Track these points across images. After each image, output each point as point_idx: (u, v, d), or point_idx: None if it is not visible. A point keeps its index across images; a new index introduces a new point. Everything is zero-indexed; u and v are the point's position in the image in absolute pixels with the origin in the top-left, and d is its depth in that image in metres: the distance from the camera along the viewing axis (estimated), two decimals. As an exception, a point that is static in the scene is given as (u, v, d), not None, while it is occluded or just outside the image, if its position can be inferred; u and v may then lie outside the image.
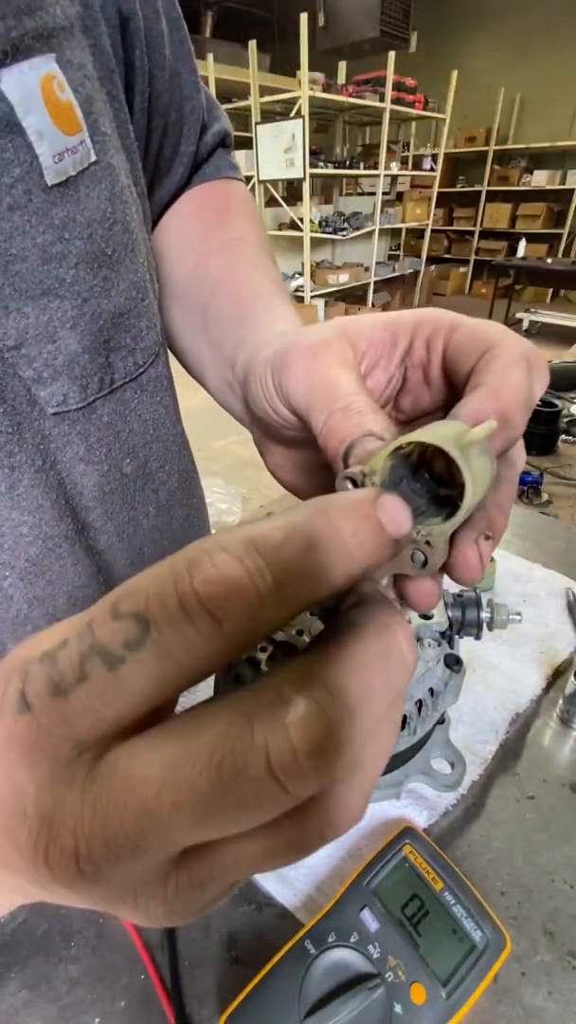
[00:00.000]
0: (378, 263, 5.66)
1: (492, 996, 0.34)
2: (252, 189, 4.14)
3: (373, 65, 4.75)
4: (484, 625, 0.45)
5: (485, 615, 0.45)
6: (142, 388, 0.37)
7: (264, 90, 4.39)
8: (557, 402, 1.26)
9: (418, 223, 6.01)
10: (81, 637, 0.12)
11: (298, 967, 0.32)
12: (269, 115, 4.53)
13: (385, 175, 5.09)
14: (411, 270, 6.18)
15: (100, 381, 0.33)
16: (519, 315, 4.97)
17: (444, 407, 0.23)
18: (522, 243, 5.32)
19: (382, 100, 4.64)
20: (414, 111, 5.13)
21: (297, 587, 0.12)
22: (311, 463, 0.28)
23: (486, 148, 6.73)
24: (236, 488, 2.47)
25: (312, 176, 4.47)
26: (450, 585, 0.63)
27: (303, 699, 0.12)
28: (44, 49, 0.25)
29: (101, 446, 0.35)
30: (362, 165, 5.29)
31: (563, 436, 1.28)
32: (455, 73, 5.25)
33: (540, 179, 6.44)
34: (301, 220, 4.68)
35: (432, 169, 5.89)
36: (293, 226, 4.84)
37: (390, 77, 4.53)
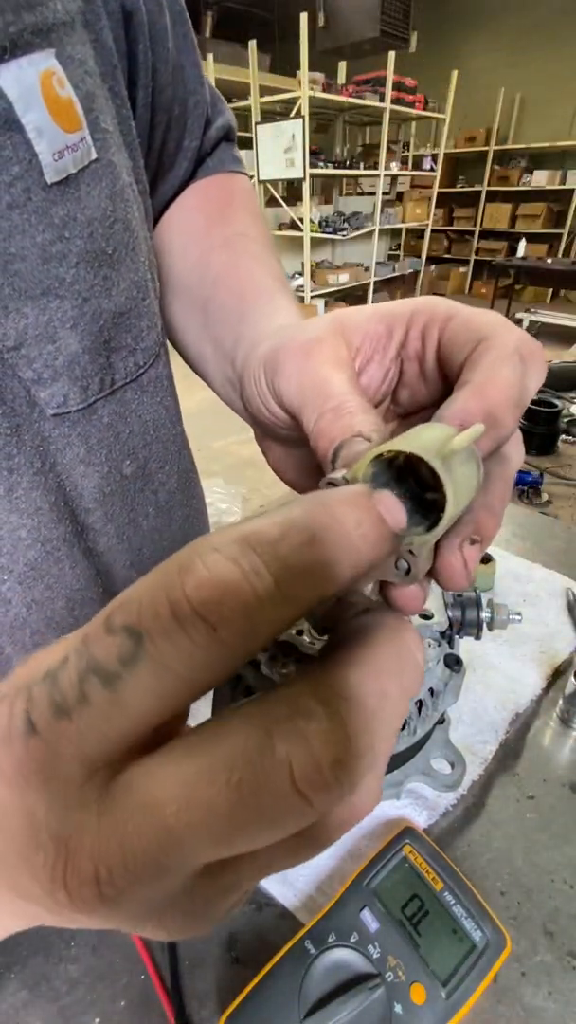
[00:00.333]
0: (378, 263, 5.66)
1: (492, 996, 0.34)
2: (252, 189, 4.14)
3: (373, 65, 4.75)
4: (484, 625, 0.45)
5: (485, 615, 0.45)
6: (142, 389, 0.37)
7: (264, 90, 4.39)
8: (557, 402, 1.26)
9: (418, 223, 6.00)
10: (79, 654, 0.12)
11: (298, 967, 0.32)
12: (269, 115, 4.53)
13: (385, 175, 5.09)
14: (411, 270, 6.18)
15: (101, 382, 0.33)
16: (519, 315, 4.96)
17: (441, 401, 0.23)
18: (522, 243, 5.31)
19: (382, 100, 4.64)
20: (414, 111, 5.13)
21: (300, 585, 0.12)
22: (312, 462, 0.28)
23: (486, 148, 6.72)
24: (236, 488, 2.47)
25: (312, 176, 4.47)
26: (450, 585, 0.63)
27: (322, 709, 0.12)
28: (43, 45, 0.25)
29: (102, 447, 0.35)
30: (362, 165, 5.29)
31: (563, 436, 1.28)
32: (455, 73, 5.25)
33: (540, 179, 6.44)
34: (301, 220, 4.68)
35: (432, 169, 5.89)
36: (293, 226, 4.84)
37: (390, 77, 4.53)
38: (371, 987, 0.30)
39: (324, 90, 4.27)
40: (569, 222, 6.35)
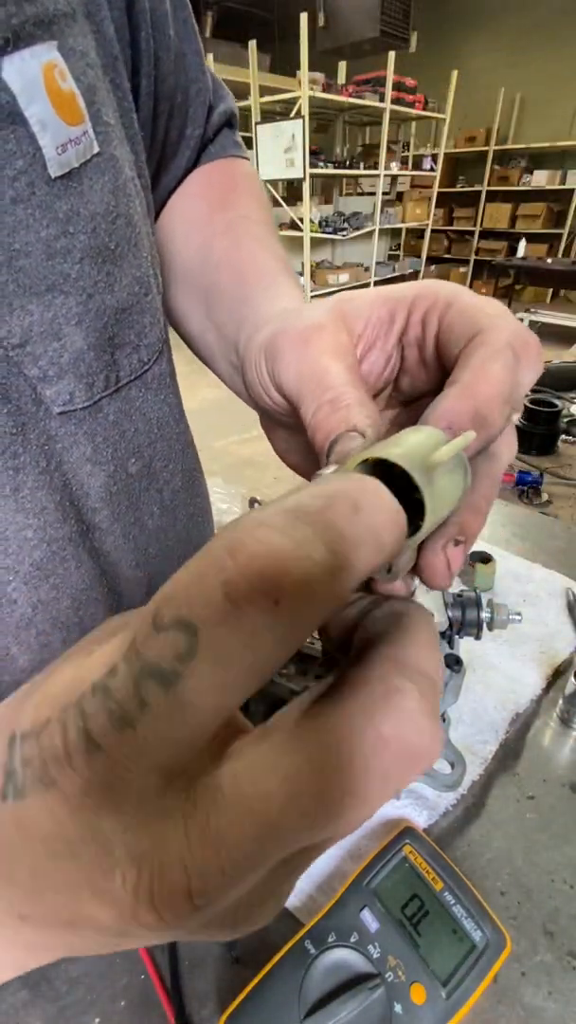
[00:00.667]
0: (378, 263, 5.67)
1: (492, 996, 0.34)
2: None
3: (373, 65, 4.75)
4: (484, 625, 0.45)
5: (485, 615, 0.45)
6: (147, 386, 0.37)
7: (264, 90, 4.39)
8: (557, 402, 1.26)
9: (418, 223, 6.01)
10: (128, 661, 0.11)
11: (298, 967, 0.32)
12: (269, 115, 4.53)
13: (385, 175, 5.09)
14: (411, 270, 6.18)
15: (106, 379, 0.33)
16: (519, 315, 4.96)
17: (441, 390, 0.23)
18: (522, 243, 5.31)
19: (382, 100, 4.65)
20: (414, 111, 5.13)
21: (353, 554, 0.11)
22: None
23: (486, 148, 6.72)
24: (236, 488, 2.47)
25: (312, 176, 4.47)
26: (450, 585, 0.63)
27: (410, 684, 0.12)
28: (45, 36, 0.24)
29: (107, 446, 0.35)
30: (362, 165, 5.29)
31: (563, 436, 1.28)
32: (455, 73, 5.25)
33: (540, 179, 6.44)
34: (301, 220, 4.68)
35: (432, 169, 5.89)
36: (293, 226, 4.84)
37: (390, 77, 4.53)
38: (371, 987, 0.30)
39: (324, 90, 4.27)
40: (569, 222, 6.34)
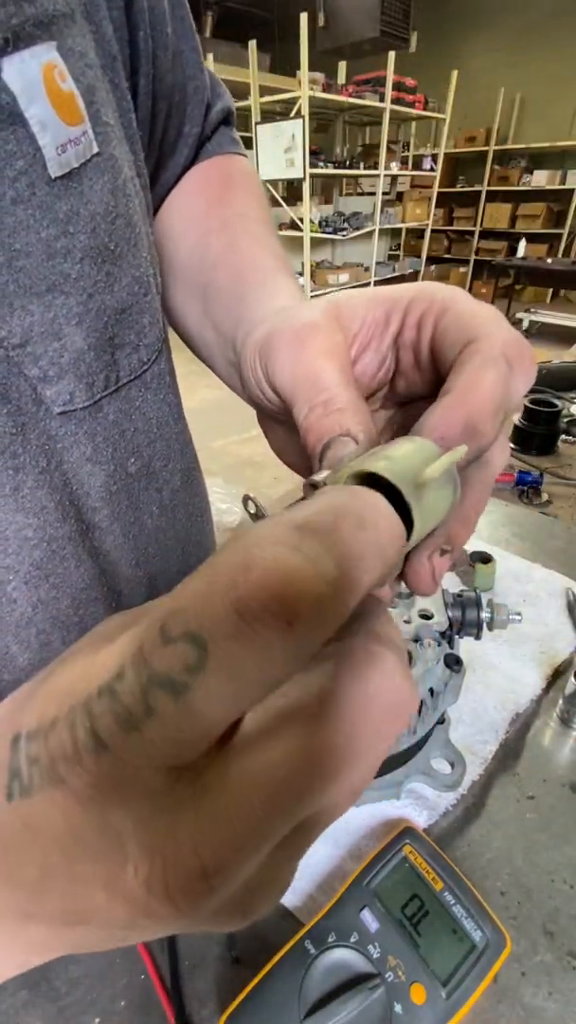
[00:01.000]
0: (378, 263, 5.67)
1: (492, 996, 0.34)
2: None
3: (373, 65, 4.75)
4: (484, 625, 0.45)
5: (485, 615, 0.45)
6: (146, 386, 0.37)
7: (264, 90, 4.39)
8: (557, 402, 1.26)
9: (418, 223, 6.01)
10: (136, 667, 0.11)
11: (298, 967, 0.32)
12: (269, 115, 4.53)
13: (385, 175, 5.09)
14: (411, 270, 6.18)
15: (106, 379, 0.33)
16: (519, 315, 4.96)
17: (437, 392, 0.22)
18: (522, 243, 5.31)
19: (382, 100, 4.64)
20: (414, 111, 5.13)
21: (360, 569, 0.11)
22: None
23: (486, 148, 6.72)
24: (236, 488, 2.47)
25: (312, 176, 4.47)
26: (450, 585, 0.63)
27: (385, 648, 0.13)
28: (45, 37, 0.24)
29: (108, 445, 0.35)
30: (362, 165, 5.29)
31: (563, 436, 1.28)
32: (455, 73, 5.25)
33: (540, 179, 6.43)
34: (301, 220, 4.68)
35: (432, 169, 5.89)
36: (293, 226, 4.84)
37: (390, 77, 4.53)
38: (371, 987, 0.30)
39: (324, 90, 4.27)
40: (569, 222, 6.34)
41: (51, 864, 0.12)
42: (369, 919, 0.33)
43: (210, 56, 4.29)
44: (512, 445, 1.25)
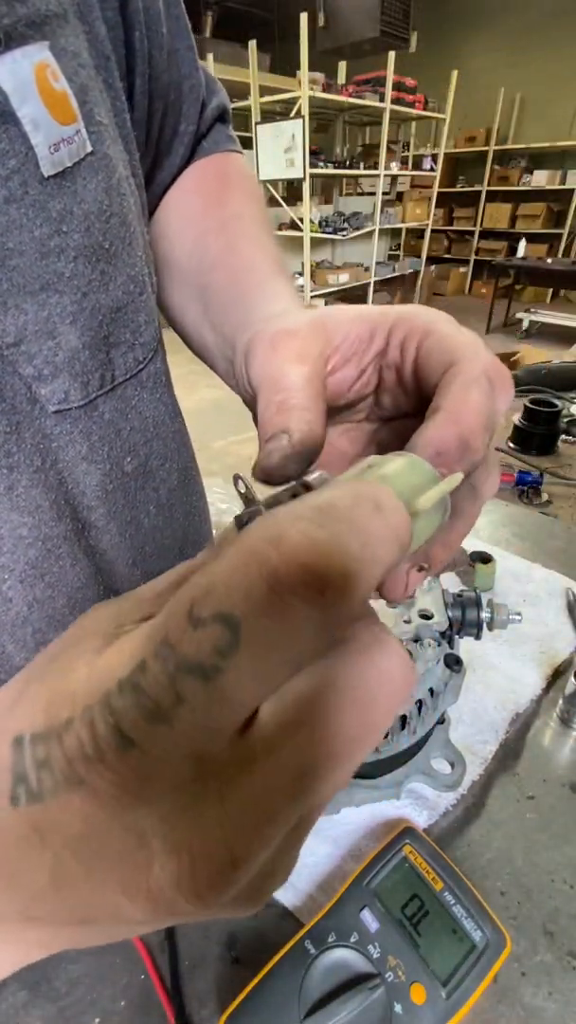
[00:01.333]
0: (378, 263, 5.66)
1: (492, 996, 0.34)
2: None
3: (373, 65, 4.74)
4: (484, 625, 0.45)
5: (485, 615, 0.45)
6: (142, 385, 0.37)
7: (264, 90, 4.39)
8: (557, 402, 1.26)
9: (418, 223, 6.00)
10: (161, 657, 0.11)
11: (298, 967, 0.32)
12: (269, 115, 4.53)
13: (385, 175, 5.09)
14: (411, 270, 6.17)
15: (101, 378, 0.33)
16: (519, 315, 4.96)
17: (419, 410, 0.23)
18: (522, 243, 5.31)
19: (382, 100, 4.64)
20: (414, 111, 5.13)
21: (382, 550, 0.12)
22: None
23: (486, 148, 6.72)
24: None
25: (312, 176, 4.47)
26: (450, 585, 0.63)
27: (388, 632, 0.14)
28: (37, 37, 0.24)
29: (103, 445, 0.35)
30: (362, 165, 5.29)
31: (563, 436, 1.28)
32: (455, 73, 5.25)
33: (540, 179, 6.44)
34: (301, 220, 4.68)
35: (432, 169, 5.89)
36: (293, 226, 4.84)
37: (390, 77, 4.53)
38: (371, 987, 0.30)
39: (324, 90, 4.27)
40: (569, 222, 6.35)
41: (64, 869, 0.12)
42: (369, 919, 0.33)
43: (210, 56, 4.29)
44: (512, 445, 1.25)
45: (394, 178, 5.86)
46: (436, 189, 5.92)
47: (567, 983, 0.34)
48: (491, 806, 0.44)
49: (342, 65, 5.02)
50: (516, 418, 1.25)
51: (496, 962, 0.32)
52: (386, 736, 0.38)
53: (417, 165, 6.10)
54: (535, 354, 2.79)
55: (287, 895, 0.38)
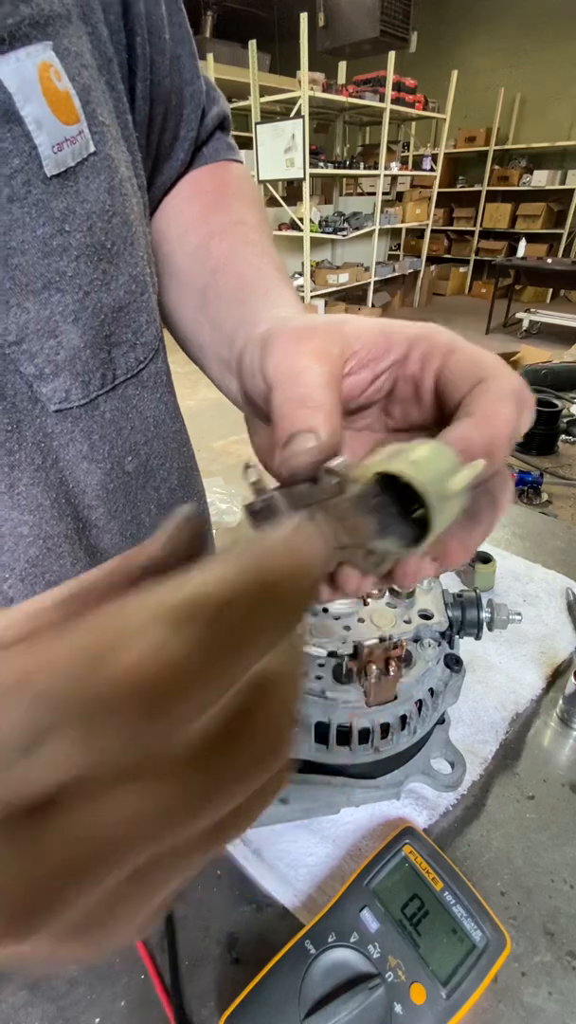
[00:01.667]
0: (378, 263, 5.66)
1: (492, 996, 0.34)
2: (252, 189, 4.18)
3: (373, 65, 4.75)
4: (484, 625, 0.45)
5: (485, 615, 0.45)
6: (143, 384, 0.37)
7: (264, 90, 4.39)
8: (557, 402, 1.26)
9: (418, 223, 6.00)
10: None
11: (298, 967, 0.32)
12: (269, 115, 4.53)
13: (385, 175, 5.09)
14: (411, 270, 6.18)
15: (102, 377, 0.33)
16: (519, 315, 4.96)
17: (432, 425, 0.24)
18: (522, 243, 5.31)
19: (382, 100, 4.64)
20: (414, 111, 5.13)
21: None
22: None
23: (486, 148, 6.72)
24: (236, 488, 2.47)
25: (312, 176, 4.47)
26: (450, 585, 0.63)
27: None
28: (40, 37, 0.25)
29: (104, 444, 0.35)
30: (362, 165, 5.29)
31: (563, 436, 1.28)
32: (455, 73, 5.26)
33: (540, 179, 6.44)
34: (301, 220, 4.68)
35: (432, 169, 5.89)
36: (293, 226, 4.84)
37: (390, 77, 4.53)
38: (371, 987, 0.30)
39: (324, 90, 4.27)
40: (569, 222, 6.35)
41: None
42: (369, 919, 0.33)
43: (210, 56, 4.28)
44: (512, 445, 1.25)
45: (394, 178, 5.86)
46: (436, 189, 5.93)
47: (567, 983, 0.34)
48: (491, 806, 0.44)
49: (342, 65, 5.02)
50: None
51: (496, 962, 0.32)
52: (386, 736, 0.38)
53: (417, 165, 6.10)
54: (535, 354, 2.79)
55: (287, 895, 0.38)
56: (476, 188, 6.99)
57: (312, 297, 5.06)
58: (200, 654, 0.10)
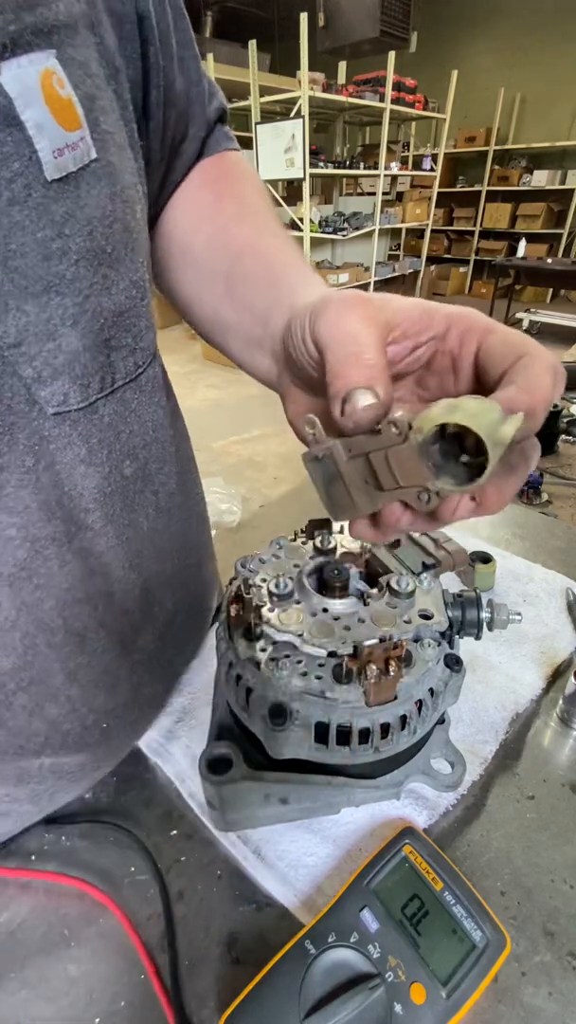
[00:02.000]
0: (378, 263, 5.66)
1: (492, 996, 0.34)
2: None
3: (373, 65, 4.74)
4: (484, 625, 0.45)
5: (485, 615, 0.45)
6: (140, 389, 0.37)
7: (264, 90, 4.38)
8: (557, 402, 1.26)
9: (418, 223, 6.00)
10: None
11: (298, 967, 0.32)
12: (269, 115, 4.52)
13: (385, 175, 5.08)
14: (411, 270, 6.17)
15: (101, 381, 0.33)
16: (519, 315, 4.96)
17: (465, 393, 0.27)
18: (522, 243, 5.31)
19: (382, 100, 4.64)
20: (414, 111, 5.12)
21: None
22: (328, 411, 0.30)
23: (486, 148, 6.72)
24: (236, 488, 2.47)
25: (312, 176, 4.46)
26: (450, 585, 0.63)
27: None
28: (44, 45, 0.25)
29: (102, 448, 0.35)
30: (362, 165, 5.29)
31: (563, 436, 1.28)
32: (455, 73, 5.25)
33: (540, 179, 6.44)
34: (301, 220, 4.68)
35: (432, 169, 5.89)
36: (293, 226, 4.83)
37: (390, 77, 4.53)
38: (371, 987, 0.30)
39: (324, 90, 4.26)
40: (569, 222, 6.35)
41: None
42: (369, 919, 0.33)
43: (210, 56, 4.28)
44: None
45: (394, 178, 5.86)
46: (436, 189, 5.92)
47: (567, 983, 0.34)
48: (491, 806, 0.44)
49: (342, 65, 5.01)
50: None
51: (496, 962, 0.32)
52: (386, 736, 0.38)
53: (417, 165, 6.09)
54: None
55: (287, 895, 0.38)
56: (476, 188, 6.99)
57: (312, 297, 5.06)
58: None
